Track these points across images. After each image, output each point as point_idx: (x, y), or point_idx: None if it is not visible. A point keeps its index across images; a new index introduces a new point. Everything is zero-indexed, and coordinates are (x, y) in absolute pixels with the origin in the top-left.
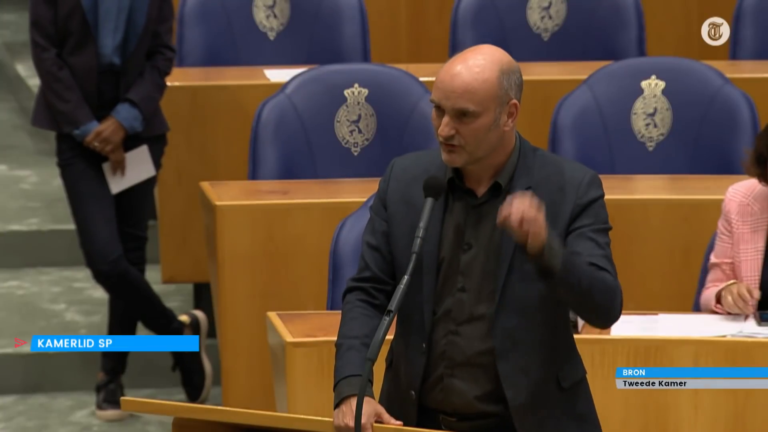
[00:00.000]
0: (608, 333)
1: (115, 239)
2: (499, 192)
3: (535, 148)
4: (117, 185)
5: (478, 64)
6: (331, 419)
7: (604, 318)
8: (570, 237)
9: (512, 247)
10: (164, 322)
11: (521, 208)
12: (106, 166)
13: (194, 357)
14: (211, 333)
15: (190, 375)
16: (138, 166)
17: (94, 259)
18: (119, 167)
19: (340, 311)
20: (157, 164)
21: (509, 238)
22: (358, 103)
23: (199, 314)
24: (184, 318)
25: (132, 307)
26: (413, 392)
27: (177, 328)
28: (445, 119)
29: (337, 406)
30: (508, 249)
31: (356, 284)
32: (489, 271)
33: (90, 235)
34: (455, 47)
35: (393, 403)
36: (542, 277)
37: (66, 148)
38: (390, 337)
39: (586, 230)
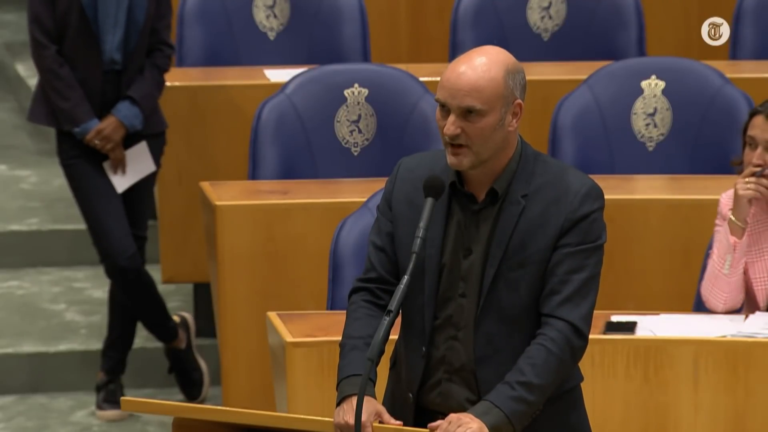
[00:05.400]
0: (608, 333)
1: (129, 235)
2: (496, 198)
3: (538, 154)
4: (120, 184)
5: (484, 63)
6: (331, 419)
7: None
8: (555, 254)
9: (501, 254)
10: (164, 322)
11: None
12: (107, 165)
13: (189, 358)
14: (211, 333)
15: (188, 376)
16: (138, 163)
17: (112, 254)
18: (119, 165)
19: (342, 311)
20: (157, 162)
21: (499, 244)
22: (358, 103)
23: (186, 315)
24: (175, 318)
25: (139, 304)
26: (411, 395)
27: (173, 328)
28: (451, 118)
29: (338, 404)
30: (496, 256)
31: (362, 284)
32: (481, 277)
33: (105, 232)
34: (455, 47)
35: (395, 403)
36: None
37: (67, 147)
38: (395, 337)
39: (572, 250)
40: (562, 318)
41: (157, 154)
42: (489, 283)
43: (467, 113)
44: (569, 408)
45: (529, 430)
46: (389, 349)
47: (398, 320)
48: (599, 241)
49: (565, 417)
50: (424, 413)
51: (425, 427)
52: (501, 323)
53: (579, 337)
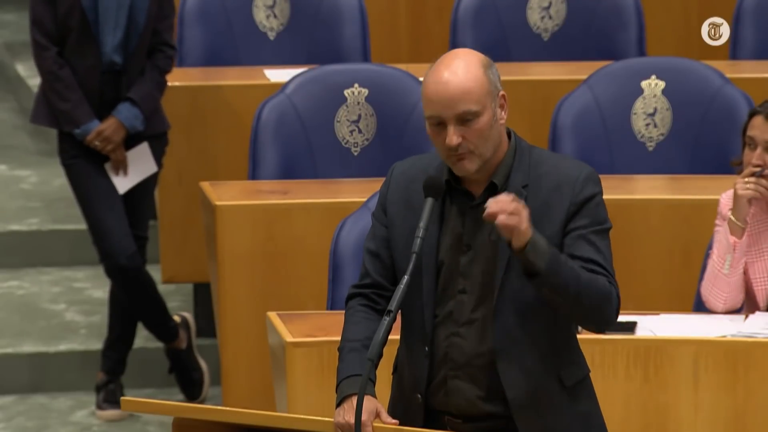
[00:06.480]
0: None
1: (129, 235)
2: (495, 192)
3: (531, 146)
4: (122, 185)
5: (462, 65)
6: (331, 419)
7: (596, 323)
8: (567, 238)
9: (509, 247)
10: (164, 322)
11: (504, 201)
12: (108, 166)
13: (190, 358)
14: (211, 333)
15: (188, 376)
16: (140, 164)
17: (112, 253)
18: (121, 166)
19: (341, 311)
20: (159, 163)
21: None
22: (358, 103)
23: (187, 315)
24: (175, 318)
25: (139, 304)
26: (419, 395)
27: (173, 328)
28: (450, 129)
29: (338, 404)
30: (504, 249)
31: (358, 291)
32: (488, 272)
33: (105, 231)
34: (455, 47)
35: (399, 407)
36: (528, 277)
37: (68, 147)
38: (395, 337)
39: (584, 232)
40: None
41: (159, 154)
42: (501, 276)
43: (464, 119)
44: (582, 397)
45: (556, 416)
46: (390, 354)
47: (398, 324)
48: (607, 224)
49: (579, 405)
50: (431, 413)
51: (433, 427)
52: (518, 316)
53: (617, 305)
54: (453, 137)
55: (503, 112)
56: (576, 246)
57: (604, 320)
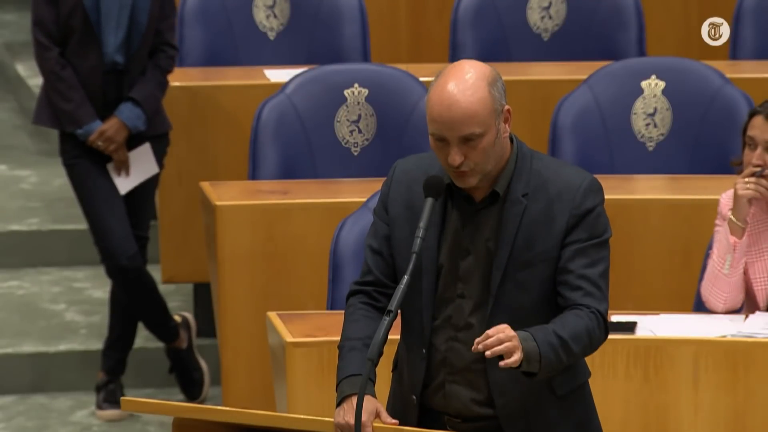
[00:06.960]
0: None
1: (130, 235)
2: (496, 198)
3: (533, 153)
4: (124, 185)
5: (469, 86)
6: (331, 419)
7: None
8: (565, 251)
9: (507, 255)
10: (165, 322)
11: (492, 341)
12: (110, 166)
13: (190, 358)
14: (211, 333)
15: (188, 376)
16: (142, 165)
17: (113, 254)
18: (123, 167)
19: (341, 311)
20: (160, 163)
21: (504, 245)
22: (358, 103)
23: (188, 315)
24: (176, 318)
25: (140, 305)
26: (414, 397)
27: (174, 328)
28: (454, 149)
29: (338, 404)
30: (502, 257)
31: (359, 287)
32: (485, 277)
33: (106, 232)
34: (455, 47)
35: (399, 405)
36: (525, 375)
37: (70, 147)
38: (395, 337)
39: (582, 246)
40: (590, 307)
41: (160, 155)
42: (497, 284)
43: (468, 140)
44: (580, 403)
45: (543, 424)
46: (390, 352)
47: (399, 322)
48: (606, 234)
49: (577, 411)
50: (428, 413)
51: (433, 427)
52: (511, 321)
53: (604, 332)
54: (456, 157)
55: (507, 125)
56: (571, 259)
57: (593, 352)
